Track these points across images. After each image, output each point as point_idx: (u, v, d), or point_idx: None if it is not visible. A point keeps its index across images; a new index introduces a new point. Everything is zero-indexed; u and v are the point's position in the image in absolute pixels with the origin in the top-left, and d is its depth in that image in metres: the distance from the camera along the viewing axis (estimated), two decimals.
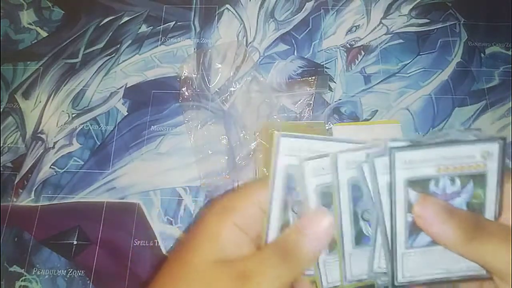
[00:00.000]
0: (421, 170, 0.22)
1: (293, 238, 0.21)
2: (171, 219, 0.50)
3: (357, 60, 0.59)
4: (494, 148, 0.22)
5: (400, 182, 0.21)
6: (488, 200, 0.22)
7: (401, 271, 0.24)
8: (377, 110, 0.55)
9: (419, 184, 0.22)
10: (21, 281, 0.48)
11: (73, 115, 0.56)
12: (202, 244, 0.21)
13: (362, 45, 0.60)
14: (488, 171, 0.22)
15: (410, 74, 0.58)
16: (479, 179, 0.23)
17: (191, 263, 0.20)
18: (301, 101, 0.55)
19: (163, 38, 0.61)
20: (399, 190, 0.21)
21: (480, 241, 0.19)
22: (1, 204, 0.51)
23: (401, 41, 0.60)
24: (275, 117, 0.54)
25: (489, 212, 0.22)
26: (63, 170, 0.53)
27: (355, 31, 0.61)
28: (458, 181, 0.23)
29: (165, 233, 0.49)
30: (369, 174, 0.22)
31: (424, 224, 0.20)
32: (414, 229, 0.23)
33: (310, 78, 0.57)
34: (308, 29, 0.61)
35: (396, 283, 0.24)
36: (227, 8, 0.62)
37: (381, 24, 0.61)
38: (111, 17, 0.62)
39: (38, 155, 0.54)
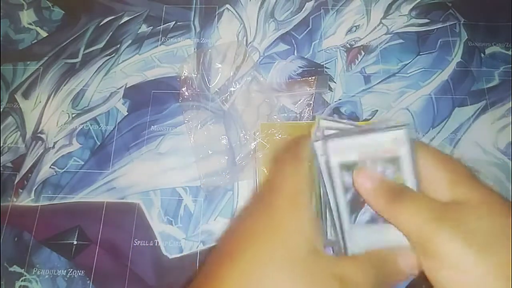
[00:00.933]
0: (348, 156, 0.26)
1: (391, 258, 0.22)
2: (171, 219, 0.50)
3: (357, 60, 0.59)
4: (401, 133, 0.25)
5: (335, 165, 0.25)
6: (407, 181, 0.25)
7: (350, 244, 0.28)
8: (377, 110, 0.55)
9: (350, 167, 0.25)
10: (21, 281, 0.48)
11: (73, 115, 0.56)
12: (303, 226, 0.21)
13: (362, 45, 0.60)
14: (401, 155, 0.25)
15: (410, 74, 0.58)
16: (395, 162, 0.26)
17: (288, 247, 0.20)
18: (301, 101, 0.55)
19: (163, 38, 0.61)
20: (336, 172, 0.25)
21: (399, 206, 0.21)
22: (1, 204, 0.51)
23: (401, 41, 0.60)
24: (275, 117, 0.54)
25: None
26: (63, 170, 0.53)
27: (355, 31, 0.61)
28: (379, 165, 0.26)
29: (165, 233, 0.49)
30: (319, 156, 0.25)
31: (359, 188, 0.23)
32: (354, 207, 0.26)
33: (310, 78, 0.57)
34: (308, 29, 0.61)
35: (348, 255, 0.28)
36: (227, 8, 0.62)
37: (381, 24, 0.61)
38: (111, 17, 0.62)
39: (38, 155, 0.54)
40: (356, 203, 0.26)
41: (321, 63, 0.59)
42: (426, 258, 0.20)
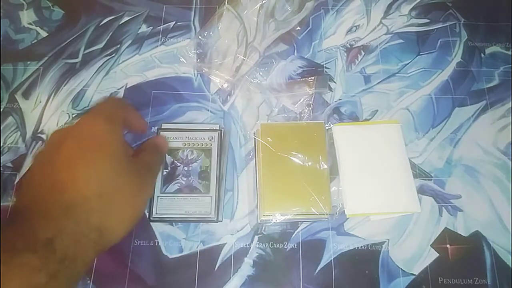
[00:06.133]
0: (174, 143, 0.46)
1: None
2: None
3: (357, 60, 0.59)
4: (215, 134, 0.47)
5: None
6: (212, 166, 0.45)
7: (155, 209, 0.46)
8: (377, 110, 0.55)
9: (173, 152, 0.46)
10: None
11: (73, 115, 0.56)
12: None
13: (362, 45, 0.60)
14: (212, 148, 0.46)
15: (410, 74, 0.58)
16: (207, 152, 0.46)
17: None
18: (301, 101, 0.55)
19: (163, 38, 0.61)
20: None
21: None
22: (1, 204, 0.51)
23: (401, 41, 0.60)
24: (275, 117, 0.55)
25: (213, 174, 0.45)
26: None
27: (355, 31, 0.61)
28: (195, 153, 0.45)
29: (165, 233, 0.49)
30: None
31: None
32: (167, 180, 0.45)
33: (310, 78, 0.57)
34: (308, 29, 0.61)
35: (151, 218, 0.46)
36: (227, 8, 0.62)
37: (381, 24, 0.61)
38: (111, 17, 0.62)
39: None
40: (168, 178, 0.45)
41: (321, 63, 0.59)
42: None
